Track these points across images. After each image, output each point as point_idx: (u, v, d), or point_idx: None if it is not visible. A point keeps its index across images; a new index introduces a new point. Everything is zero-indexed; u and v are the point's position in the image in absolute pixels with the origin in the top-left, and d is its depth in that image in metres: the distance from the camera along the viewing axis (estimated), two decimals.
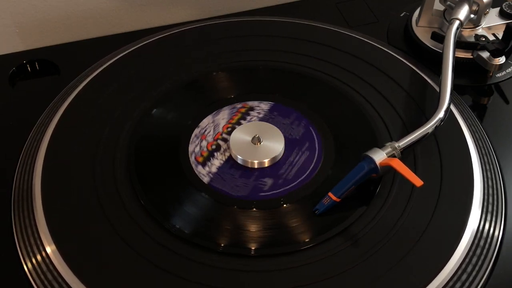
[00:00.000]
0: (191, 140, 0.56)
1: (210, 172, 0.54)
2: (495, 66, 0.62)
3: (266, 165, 0.54)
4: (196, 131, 0.57)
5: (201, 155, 0.55)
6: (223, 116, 0.58)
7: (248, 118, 0.58)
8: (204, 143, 0.56)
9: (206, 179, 0.53)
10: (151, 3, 0.79)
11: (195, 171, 0.54)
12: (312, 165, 0.54)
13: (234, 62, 0.64)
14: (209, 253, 0.48)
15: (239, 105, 0.59)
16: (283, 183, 0.53)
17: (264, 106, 0.59)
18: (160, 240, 0.48)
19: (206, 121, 0.58)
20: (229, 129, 0.57)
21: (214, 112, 0.59)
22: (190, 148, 0.55)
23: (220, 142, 0.56)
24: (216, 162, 0.54)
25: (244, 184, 0.53)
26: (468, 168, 0.53)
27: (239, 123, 0.57)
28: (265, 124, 0.57)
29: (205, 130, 0.57)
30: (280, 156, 0.55)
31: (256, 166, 0.54)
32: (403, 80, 0.62)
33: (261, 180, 0.53)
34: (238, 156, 0.54)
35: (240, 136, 0.56)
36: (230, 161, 0.55)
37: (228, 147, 0.55)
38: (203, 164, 0.54)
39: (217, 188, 0.52)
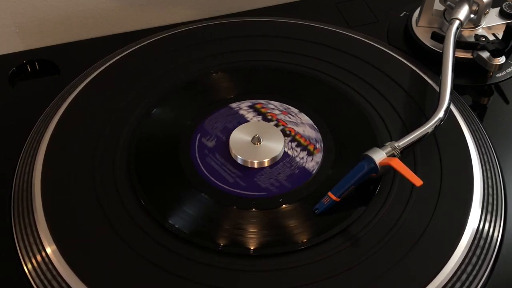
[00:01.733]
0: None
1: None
2: (495, 66, 0.62)
3: (266, 165, 0.54)
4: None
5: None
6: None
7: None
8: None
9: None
10: (151, 3, 0.79)
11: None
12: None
13: (234, 62, 0.64)
14: (209, 253, 0.48)
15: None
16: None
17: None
18: (160, 240, 0.48)
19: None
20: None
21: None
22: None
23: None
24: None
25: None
26: (468, 168, 0.53)
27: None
28: (265, 124, 0.57)
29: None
30: (280, 156, 0.55)
31: (256, 166, 0.54)
32: (403, 80, 0.62)
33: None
34: (238, 156, 0.54)
35: (240, 136, 0.56)
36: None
37: (228, 147, 0.55)
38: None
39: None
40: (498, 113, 0.62)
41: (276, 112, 0.59)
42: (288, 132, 0.57)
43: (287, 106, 0.59)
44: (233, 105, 0.60)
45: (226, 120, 0.58)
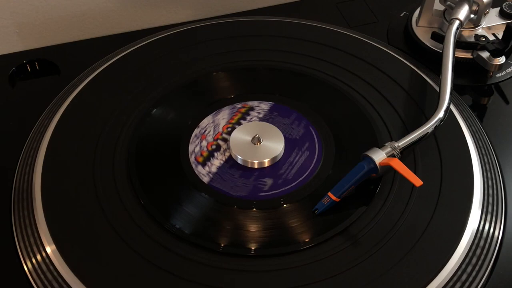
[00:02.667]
0: (191, 140, 0.56)
1: (210, 172, 0.54)
2: (495, 66, 0.62)
3: (266, 165, 0.54)
4: (196, 131, 0.57)
5: (201, 155, 0.55)
6: (223, 116, 0.58)
7: (248, 118, 0.58)
8: (204, 143, 0.56)
9: (206, 179, 0.53)
10: (151, 3, 0.79)
11: (195, 171, 0.54)
12: (312, 165, 0.55)
13: (234, 62, 0.64)
14: (209, 253, 0.48)
15: (239, 105, 0.59)
16: (283, 183, 0.53)
17: (264, 106, 0.59)
18: (160, 240, 0.48)
19: (206, 121, 0.58)
20: (229, 129, 0.57)
21: (214, 112, 0.59)
22: (190, 148, 0.55)
23: (220, 142, 0.56)
24: (216, 162, 0.54)
25: (244, 184, 0.53)
26: (468, 168, 0.53)
27: (239, 123, 0.57)
28: (265, 124, 0.57)
29: (205, 130, 0.57)
30: (280, 156, 0.55)
31: (256, 166, 0.54)
32: (403, 80, 0.62)
33: (261, 180, 0.53)
34: (238, 156, 0.54)
35: (240, 136, 0.56)
36: (230, 161, 0.55)
37: (228, 147, 0.55)
38: (203, 164, 0.54)
39: (217, 188, 0.52)
40: (498, 113, 0.62)
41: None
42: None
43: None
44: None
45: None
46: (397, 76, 0.62)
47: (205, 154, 0.55)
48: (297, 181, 0.53)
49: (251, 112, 0.59)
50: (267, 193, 0.52)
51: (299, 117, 0.58)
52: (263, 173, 0.54)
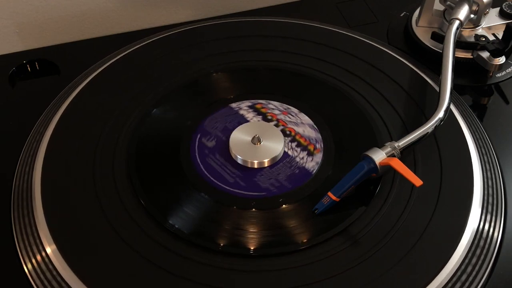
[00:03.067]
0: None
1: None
2: (495, 66, 0.62)
3: (266, 165, 0.54)
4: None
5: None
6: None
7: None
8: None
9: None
10: (151, 3, 0.79)
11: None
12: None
13: (234, 62, 0.64)
14: (209, 253, 0.48)
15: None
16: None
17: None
18: (160, 240, 0.48)
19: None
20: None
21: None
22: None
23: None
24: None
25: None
26: (468, 168, 0.53)
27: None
28: (265, 124, 0.57)
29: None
30: (280, 156, 0.55)
31: (256, 166, 0.54)
32: (403, 80, 0.62)
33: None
34: (238, 156, 0.54)
35: (240, 136, 0.56)
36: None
37: (228, 147, 0.55)
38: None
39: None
40: (498, 113, 0.62)
41: (276, 112, 0.59)
42: (288, 132, 0.57)
43: (287, 106, 0.59)
44: (233, 105, 0.60)
45: (226, 120, 0.58)
46: (397, 76, 0.62)
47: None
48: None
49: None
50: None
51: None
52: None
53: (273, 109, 0.59)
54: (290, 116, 0.58)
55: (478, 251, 0.48)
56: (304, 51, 0.64)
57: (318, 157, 0.55)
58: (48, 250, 0.48)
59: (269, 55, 0.64)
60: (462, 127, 0.57)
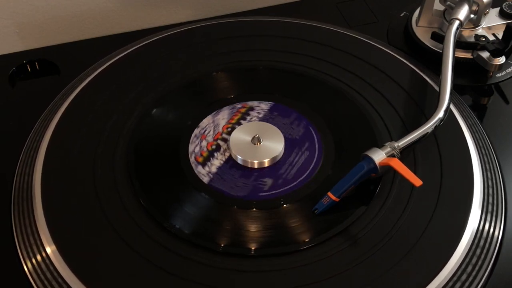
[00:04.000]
0: (191, 140, 0.56)
1: (210, 172, 0.54)
2: (495, 66, 0.62)
3: (266, 165, 0.54)
4: (196, 131, 0.57)
5: (201, 155, 0.55)
6: (223, 116, 0.58)
7: (248, 118, 0.58)
8: (204, 143, 0.56)
9: (206, 179, 0.53)
10: (151, 3, 0.79)
11: (195, 171, 0.54)
12: (312, 165, 0.55)
13: (234, 62, 0.64)
14: (209, 253, 0.48)
15: (239, 105, 0.59)
16: (283, 183, 0.53)
17: (264, 106, 0.59)
18: (160, 240, 0.48)
19: (206, 121, 0.58)
20: (229, 129, 0.57)
21: (214, 112, 0.59)
22: (190, 148, 0.55)
23: (220, 142, 0.56)
24: (216, 162, 0.54)
25: (244, 184, 0.53)
26: (468, 168, 0.53)
27: (239, 123, 0.57)
28: (265, 124, 0.57)
29: (205, 130, 0.57)
30: (280, 156, 0.55)
31: (256, 166, 0.54)
32: (403, 80, 0.62)
33: (261, 180, 0.53)
34: (238, 156, 0.54)
35: (240, 136, 0.56)
36: (230, 161, 0.55)
37: (228, 147, 0.55)
38: (203, 164, 0.54)
39: (217, 188, 0.52)
40: (498, 113, 0.62)
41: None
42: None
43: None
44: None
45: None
46: (397, 76, 0.62)
47: (205, 154, 0.55)
48: (297, 181, 0.53)
49: (251, 112, 0.59)
50: (267, 193, 0.52)
51: (299, 117, 0.58)
52: (263, 173, 0.54)
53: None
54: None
55: (478, 251, 0.48)
56: (304, 51, 0.64)
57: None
58: (48, 250, 0.48)
59: (269, 55, 0.64)
60: (462, 127, 0.57)
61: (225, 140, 0.56)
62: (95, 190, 0.52)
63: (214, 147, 0.56)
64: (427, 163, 0.54)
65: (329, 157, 0.55)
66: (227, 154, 0.55)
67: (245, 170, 0.54)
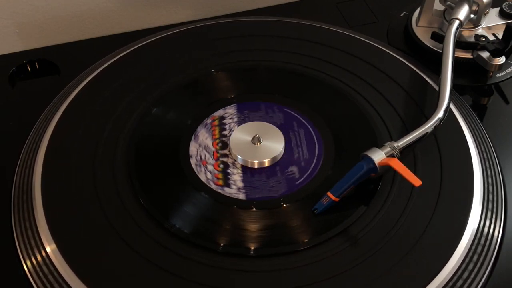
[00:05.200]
0: (197, 170, 0.54)
1: (239, 189, 0.53)
2: (495, 66, 0.62)
3: (266, 165, 0.54)
4: (194, 161, 0.55)
5: (218, 179, 0.54)
6: (204, 136, 0.57)
7: (227, 126, 0.57)
8: (210, 167, 0.54)
9: (242, 196, 0.52)
10: (151, 3, 0.79)
11: (195, 172, 0.54)
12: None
13: (234, 62, 0.64)
14: (209, 253, 0.48)
15: (209, 121, 0.58)
16: (306, 164, 0.53)
17: (231, 109, 0.58)
18: (160, 240, 0.48)
19: (194, 149, 0.56)
20: (220, 144, 0.56)
21: (193, 138, 0.56)
22: (202, 178, 0.53)
23: (222, 159, 0.55)
24: (236, 177, 0.53)
25: (277, 182, 0.53)
26: (468, 167, 0.53)
27: (223, 136, 0.56)
28: (265, 124, 0.57)
29: (201, 157, 0.55)
30: (280, 156, 0.55)
31: (256, 166, 0.54)
32: (403, 80, 0.62)
33: (287, 171, 0.53)
34: (238, 156, 0.54)
35: (240, 136, 0.56)
36: (247, 170, 0.54)
37: (230, 153, 0.55)
38: (227, 185, 0.53)
39: (258, 198, 0.52)
40: (498, 113, 0.62)
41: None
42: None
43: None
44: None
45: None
46: (397, 76, 0.62)
47: (220, 176, 0.54)
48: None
49: (225, 121, 0.58)
50: (302, 179, 0.53)
51: (270, 105, 0.59)
52: (284, 164, 0.54)
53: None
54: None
55: (478, 250, 0.48)
56: (304, 51, 0.64)
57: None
58: (48, 250, 0.48)
59: (269, 55, 0.64)
60: (462, 127, 0.57)
61: (226, 156, 0.55)
62: (95, 190, 0.52)
63: (221, 165, 0.55)
64: (427, 163, 0.54)
65: (329, 157, 0.55)
66: (238, 165, 0.55)
67: (267, 171, 0.54)
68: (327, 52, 0.64)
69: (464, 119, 0.58)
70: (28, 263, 0.49)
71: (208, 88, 0.61)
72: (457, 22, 0.62)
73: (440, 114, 0.54)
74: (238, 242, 0.49)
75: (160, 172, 0.54)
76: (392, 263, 0.47)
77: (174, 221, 0.50)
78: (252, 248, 0.48)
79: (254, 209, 0.51)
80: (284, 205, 0.51)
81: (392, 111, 0.59)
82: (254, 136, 0.55)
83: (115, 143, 0.56)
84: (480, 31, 0.66)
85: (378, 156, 0.50)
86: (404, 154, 0.52)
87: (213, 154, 0.55)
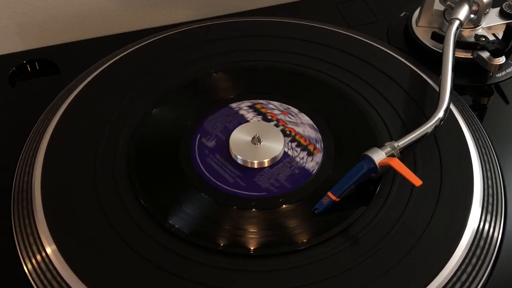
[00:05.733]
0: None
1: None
2: (495, 66, 0.62)
3: (266, 165, 0.54)
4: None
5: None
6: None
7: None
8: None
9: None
10: (151, 3, 0.79)
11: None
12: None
13: (234, 62, 0.64)
14: (208, 253, 0.48)
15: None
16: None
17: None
18: (160, 240, 0.48)
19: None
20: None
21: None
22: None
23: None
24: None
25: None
26: (468, 168, 0.53)
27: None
28: (265, 124, 0.57)
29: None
30: (280, 156, 0.55)
31: (256, 166, 0.54)
32: (403, 80, 0.62)
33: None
34: (238, 156, 0.54)
35: (240, 136, 0.56)
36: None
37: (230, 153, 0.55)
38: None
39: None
40: (498, 113, 0.62)
41: (276, 112, 0.59)
42: (288, 132, 0.57)
43: (287, 106, 0.59)
44: (233, 105, 0.60)
45: (226, 120, 0.58)
46: (397, 76, 0.62)
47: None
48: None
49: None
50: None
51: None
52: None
53: (273, 109, 0.59)
54: (290, 116, 0.58)
55: (478, 251, 0.48)
56: (304, 51, 0.64)
57: (318, 157, 0.55)
58: (48, 250, 0.48)
59: (269, 55, 0.64)
60: (462, 127, 0.57)
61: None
62: (95, 190, 0.52)
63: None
64: (427, 163, 0.54)
65: (329, 157, 0.55)
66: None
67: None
68: (327, 52, 0.64)
69: (464, 119, 0.58)
70: (28, 263, 0.49)
71: (208, 88, 0.61)
72: (457, 22, 0.62)
73: (440, 114, 0.54)
74: (238, 242, 0.49)
75: (160, 172, 0.54)
76: (392, 263, 0.47)
77: (174, 221, 0.50)
78: (252, 248, 0.48)
79: (254, 209, 0.51)
80: (284, 205, 0.51)
81: (392, 111, 0.59)
82: (254, 136, 0.55)
83: (115, 143, 0.56)
84: (480, 31, 0.66)
85: (379, 156, 0.50)
86: (404, 154, 0.52)
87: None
